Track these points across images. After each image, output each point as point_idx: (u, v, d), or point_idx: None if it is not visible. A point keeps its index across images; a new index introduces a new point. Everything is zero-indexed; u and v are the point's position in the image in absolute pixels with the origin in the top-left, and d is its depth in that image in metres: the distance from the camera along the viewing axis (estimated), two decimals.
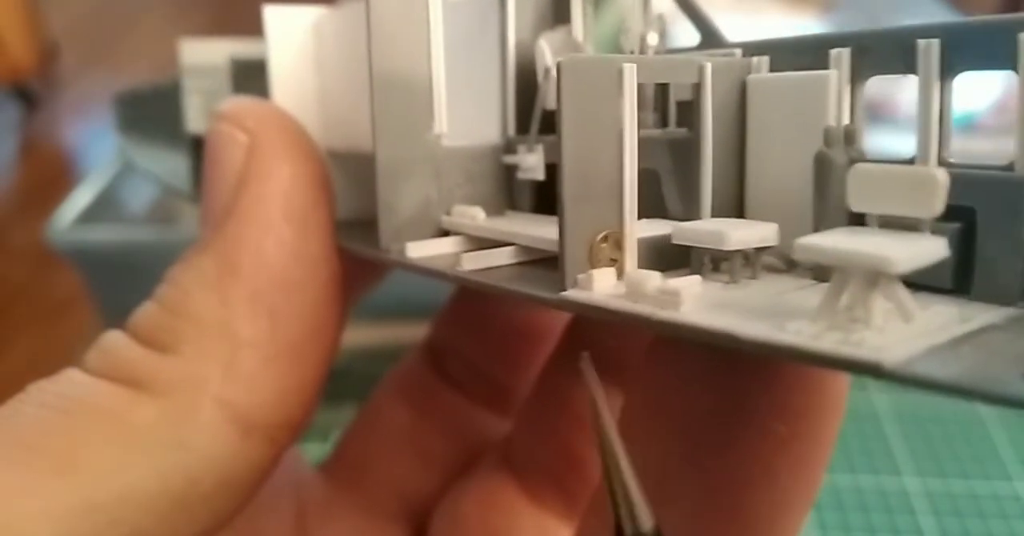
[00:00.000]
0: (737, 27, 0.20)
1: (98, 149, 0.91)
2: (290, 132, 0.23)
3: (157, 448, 0.18)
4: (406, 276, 0.22)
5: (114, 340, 0.20)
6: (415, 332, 0.33)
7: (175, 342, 0.20)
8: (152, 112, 0.48)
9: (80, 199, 0.59)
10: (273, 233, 0.21)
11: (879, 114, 0.69)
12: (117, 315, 0.22)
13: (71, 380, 0.19)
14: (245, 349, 0.20)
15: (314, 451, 0.40)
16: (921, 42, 0.16)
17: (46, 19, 1.24)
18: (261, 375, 0.20)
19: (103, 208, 0.59)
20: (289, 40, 0.26)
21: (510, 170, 0.24)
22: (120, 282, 0.22)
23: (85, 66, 1.25)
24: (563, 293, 0.17)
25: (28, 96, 1.17)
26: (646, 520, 0.15)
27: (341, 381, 0.47)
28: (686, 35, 0.21)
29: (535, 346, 0.30)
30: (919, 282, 0.16)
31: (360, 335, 0.52)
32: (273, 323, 0.20)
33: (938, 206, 0.14)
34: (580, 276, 0.17)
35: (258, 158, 0.22)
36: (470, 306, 0.31)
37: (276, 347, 0.20)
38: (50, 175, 1.03)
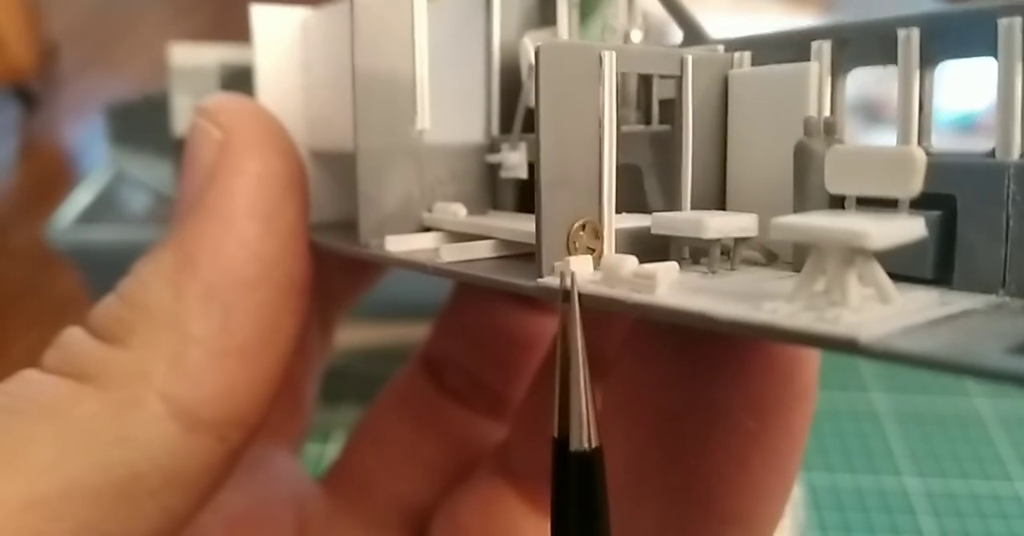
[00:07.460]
0: (737, 28, 0.20)
1: (98, 149, 0.91)
2: (264, 128, 0.22)
3: (99, 442, 0.18)
4: (406, 276, 0.22)
5: (70, 335, 0.20)
6: (415, 332, 0.32)
7: (126, 334, 0.19)
8: (142, 123, 0.48)
9: (80, 199, 0.59)
10: (234, 229, 0.21)
11: (879, 116, 0.69)
12: None
13: (24, 379, 0.19)
14: (193, 344, 0.19)
15: (314, 451, 0.39)
16: (901, 31, 0.16)
17: (46, 19, 1.24)
18: (208, 371, 0.19)
19: (103, 208, 0.59)
20: (276, 40, 0.26)
21: (494, 169, 0.24)
22: (120, 282, 0.21)
23: (85, 66, 1.25)
24: (539, 280, 0.17)
25: (28, 96, 1.17)
26: (594, 438, 0.15)
27: (341, 381, 0.47)
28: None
29: (529, 353, 0.29)
30: (900, 272, 0.16)
31: (360, 335, 0.52)
32: (225, 320, 0.20)
33: (916, 185, 0.14)
34: (557, 264, 0.17)
35: (229, 154, 0.21)
36: (464, 316, 0.31)
37: (226, 344, 0.20)
38: (50, 175, 1.02)
